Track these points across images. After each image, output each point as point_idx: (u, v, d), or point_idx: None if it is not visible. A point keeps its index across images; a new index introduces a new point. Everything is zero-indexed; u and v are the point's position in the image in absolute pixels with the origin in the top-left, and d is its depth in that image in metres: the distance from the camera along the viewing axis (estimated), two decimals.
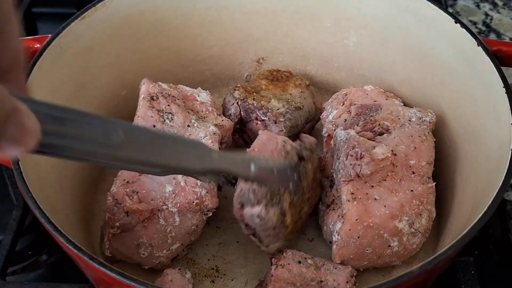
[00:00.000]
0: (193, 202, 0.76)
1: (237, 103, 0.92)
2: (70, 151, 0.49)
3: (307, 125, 0.95)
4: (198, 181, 0.77)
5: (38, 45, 0.83)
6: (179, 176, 0.78)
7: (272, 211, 0.72)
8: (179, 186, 0.77)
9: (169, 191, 0.77)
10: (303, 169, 0.76)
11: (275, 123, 0.90)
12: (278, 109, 0.91)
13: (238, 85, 0.95)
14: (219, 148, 0.81)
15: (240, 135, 0.95)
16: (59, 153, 0.48)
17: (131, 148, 0.52)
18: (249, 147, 0.78)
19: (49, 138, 0.45)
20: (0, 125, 0.40)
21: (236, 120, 0.92)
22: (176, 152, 0.57)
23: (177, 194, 0.77)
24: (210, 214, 0.79)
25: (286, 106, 0.92)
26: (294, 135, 0.91)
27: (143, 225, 0.76)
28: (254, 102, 0.91)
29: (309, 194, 0.79)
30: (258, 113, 0.91)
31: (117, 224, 0.76)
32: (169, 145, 0.56)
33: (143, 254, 0.78)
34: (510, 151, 0.70)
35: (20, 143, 0.42)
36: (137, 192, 0.77)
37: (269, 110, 0.91)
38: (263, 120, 0.91)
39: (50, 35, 0.84)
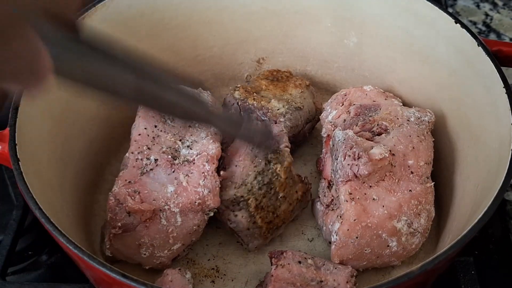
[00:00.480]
0: (195, 202, 0.77)
1: (237, 103, 0.92)
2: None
3: (307, 125, 0.95)
4: (201, 181, 0.77)
5: None
6: (181, 176, 0.78)
7: (240, 215, 0.79)
8: (181, 186, 0.77)
9: (171, 191, 0.77)
10: (269, 172, 0.80)
11: (275, 123, 0.90)
12: (278, 109, 0.91)
13: (238, 85, 0.95)
14: (221, 149, 0.82)
15: None
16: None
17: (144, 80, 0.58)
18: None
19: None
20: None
21: None
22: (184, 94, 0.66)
23: (179, 194, 0.77)
24: (212, 214, 0.79)
25: (286, 107, 0.92)
26: (294, 135, 0.92)
27: (144, 225, 0.76)
28: (254, 102, 0.91)
29: (284, 193, 0.81)
30: (258, 113, 0.91)
31: (119, 224, 0.76)
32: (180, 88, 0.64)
33: (144, 254, 0.78)
34: (510, 151, 0.70)
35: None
36: (139, 192, 0.77)
37: (269, 111, 0.91)
38: (263, 120, 0.91)
39: None
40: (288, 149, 0.83)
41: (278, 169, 0.80)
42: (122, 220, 0.76)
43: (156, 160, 0.79)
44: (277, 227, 0.83)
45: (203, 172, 0.78)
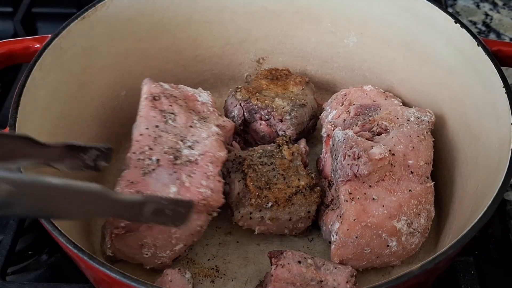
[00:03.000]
0: (199, 202, 0.76)
1: (240, 104, 0.92)
2: None
3: (310, 121, 0.95)
4: (203, 181, 0.77)
5: (38, 45, 0.83)
6: (183, 176, 0.77)
7: (234, 176, 0.83)
8: (183, 186, 0.77)
9: (174, 191, 0.77)
10: (275, 152, 0.85)
11: (281, 121, 0.91)
12: (283, 108, 0.91)
13: (239, 86, 0.95)
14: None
15: (243, 136, 0.95)
16: None
17: (20, 203, 0.52)
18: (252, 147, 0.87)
19: None
20: None
21: (239, 122, 0.92)
22: (68, 202, 0.57)
23: (182, 194, 0.76)
24: (216, 214, 0.79)
25: (291, 104, 0.92)
26: (300, 133, 0.92)
27: (147, 226, 0.76)
28: (258, 102, 0.92)
29: (284, 172, 0.83)
30: (262, 113, 0.92)
31: (122, 224, 0.76)
32: (61, 196, 0.57)
33: (146, 254, 0.78)
34: (510, 151, 0.70)
35: None
36: (142, 193, 0.77)
37: (274, 109, 0.91)
38: (267, 119, 0.92)
39: (50, 35, 0.84)
40: (303, 148, 0.88)
41: (285, 149, 0.85)
42: (125, 221, 0.76)
43: (158, 160, 0.79)
44: (267, 202, 0.81)
45: (205, 173, 0.78)
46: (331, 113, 0.91)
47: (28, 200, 0.54)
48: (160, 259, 0.79)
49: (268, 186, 0.82)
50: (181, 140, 0.81)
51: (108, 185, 0.92)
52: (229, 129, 0.87)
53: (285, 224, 0.83)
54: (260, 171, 0.83)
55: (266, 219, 0.82)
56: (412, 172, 0.79)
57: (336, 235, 0.77)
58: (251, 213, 0.81)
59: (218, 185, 0.78)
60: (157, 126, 0.81)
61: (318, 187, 0.84)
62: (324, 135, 0.89)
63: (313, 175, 0.85)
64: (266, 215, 0.81)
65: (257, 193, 0.81)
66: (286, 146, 0.86)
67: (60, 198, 0.56)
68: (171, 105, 0.83)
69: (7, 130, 0.73)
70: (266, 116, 0.92)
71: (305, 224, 0.83)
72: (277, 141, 0.87)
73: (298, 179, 0.83)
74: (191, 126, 0.83)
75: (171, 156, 0.79)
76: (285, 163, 0.84)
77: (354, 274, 0.75)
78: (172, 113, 0.83)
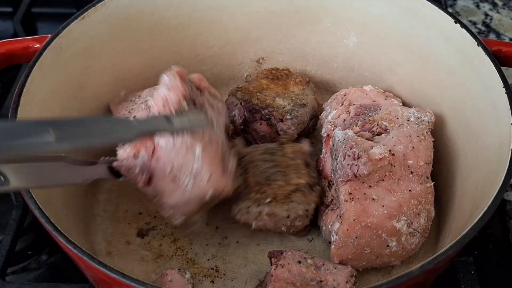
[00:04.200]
0: None
1: (241, 103, 0.92)
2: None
3: (311, 121, 0.95)
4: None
5: (38, 45, 0.83)
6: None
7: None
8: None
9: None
10: (277, 149, 0.86)
11: (282, 121, 0.91)
12: (284, 107, 0.91)
13: (240, 86, 0.95)
14: None
15: (243, 136, 0.95)
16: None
17: (67, 140, 0.59)
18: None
19: None
20: None
21: (240, 121, 0.92)
22: (105, 131, 0.65)
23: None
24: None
25: (292, 104, 0.92)
26: (300, 132, 0.92)
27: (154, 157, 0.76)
28: (259, 102, 0.92)
29: (284, 169, 0.84)
30: (262, 113, 0.92)
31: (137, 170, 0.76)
32: (98, 127, 0.65)
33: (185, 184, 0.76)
34: (510, 151, 0.70)
35: None
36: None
37: (274, 109, 0.91)
38: (268, 119, 0.92)
39: (50, 35, 0.84)
40: (307, 148, 0.88)
41: (287, 147, 0.86)
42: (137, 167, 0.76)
43: None
44: (266, 198, 0.81)
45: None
46: (331, 113, 0.91)
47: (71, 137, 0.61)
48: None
49: (267, 182, 0.82)
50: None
51: (107, 185, 0.92)
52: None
53: (283, 221, 0.82)
54: (260, 167, 0.83)
55: (263, 214, 0.81)
56: (412, 172, 0.79)
57: (336, 235, 0.77)
58: (249, 207, 0.81)
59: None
60: None
61: (318, 187, 0.84)
62: (324, 135, 0.89)
63: (314, 175, 0.85)
64: (264, 210, 0.81)
65: (256, 188, 0.81)
66: (289, 145, 0.86)
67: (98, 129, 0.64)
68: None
69: None
70: (267, 116, 0.92)
71: (303, 222, 0.83)
72: (281, 139, 0.87)
73: (299, 177, 0.83)
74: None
75: None
76: (287, 161, 0.84)
77: (354, 274, 0.75)
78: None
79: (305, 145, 0.89)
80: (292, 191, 0.82)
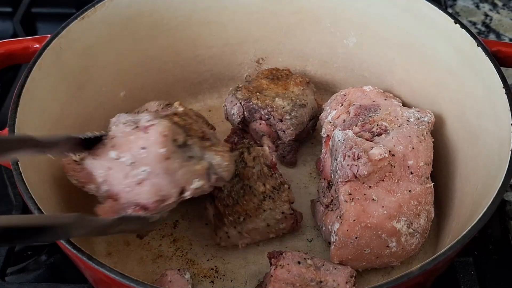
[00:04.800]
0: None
1: (240, 103, 0.92)
2: None
3: (310, 122, 0.95)
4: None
5: (38, 45, 0.83)
6: None
7: (208, 203, 0.83)
8: None
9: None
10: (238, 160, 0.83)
11: (281, 121, 0.91)
12: (283, 108, 0.91)
13: (240, 86, 0.95)
14: None
15: (242, 136, 0.95)
16: None
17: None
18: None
19: None
20: None
21: (239, 120, 0.92)
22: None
23: None
24: None
25: (291, 104, 0.92)
26: (299, 133, 0.92)
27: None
28: (259, 102, 0.92)
29: (249, 181, 0.82)
30: (262, 113, 0.92)
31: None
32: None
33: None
34: (510, 152, 0.70)
35: None
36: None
37: (274, 109, 0.91)
38: (267, 119, 0.92)
39: (49, 35, 0.84)
40: (267, 149, 0.85)
41: (245, 156, 0.83)
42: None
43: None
44: (239, 217, 0.80)
45: None
46: (330, 114, 0.90)
47: None
48: None
49: (235, 202, 0.81)
50: None
51: None
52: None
53: (266, 230, 0.82)
54: (226, 189, 0.81)
55: (243, 233, 0.82)
56: (411, 173, 0.79)
57: (335, 235, 0.77)
58: (227, 232, 0.81)
59: None
60: None
61: (285, 185, 0.83)
62: (324, 136, 0.89)
63: (277, 174, 0.84)
64: (242, 229, 0.81)
65: (226, 212, 0.81)
66: (247, 153, 0.84)
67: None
68: None
69: (6, 130, 0.73)
70: (266, 116, 0.92)
71: (287, 223, 0.83)
72: (239, 150, 0.85)
73: (264, 184, 0.82)
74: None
75: None
76: (248, 171, 0.82)
77: (354, 274, 0.75)
78: None
79: (264, 146, 0.86)
80: (261, 200, 0.82)
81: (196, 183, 0.72)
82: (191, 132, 0.74)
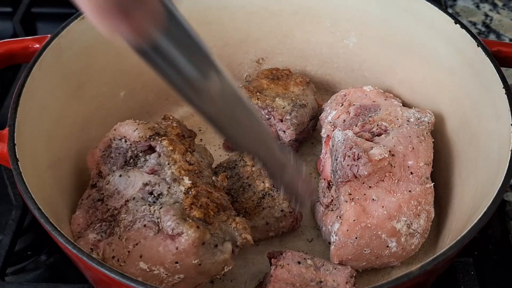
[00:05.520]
0: None
1: None
2: (163, 72, 0.56)
3: (310, 122, 0.95)
4: None
5: (38, 45, 0.83)
6: None
7: None
8: None
9: None
10: (238, 161, 0.85)
11: (281, 121, 0.91)
12: (284, 108, 0.91)
13: (240, 85, 0.95)
14: None
15: None
16: (155, 65, 0.55)
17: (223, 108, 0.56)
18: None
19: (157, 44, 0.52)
20: None
21: None
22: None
23: None
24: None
25: (292, 104, 0.92)
26: (300, 133, 0.92)
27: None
28: (259, 101, 0.92)
29: (248, 179, 0.84)
30: (262, 113, 0.92)
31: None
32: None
33: None
34: (510, 152, 0.70)
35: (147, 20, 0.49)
36: None
37: (274, 109, 0.91)
38: (267, 119, 0.92)
39: (49, 35, 0.84)
40: None
41: (245, 155, 0.86)
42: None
43: None
44: (239, 215, 0.79)
45: None
46: (330, 114, 0.90)
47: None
48: None
49: (235, 199, 0.82)
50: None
51: None
52: None
53: (265, 228, 0.83)
54: (225, 187, 0.81)
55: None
56: (412, 173, 0.79)
57: (335, 235, 0.77)
58: None
59: None
60: None
61: None
62: (324, 136, 0.89)
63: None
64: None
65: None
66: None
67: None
68: None
69: (6, 130, 0.73)
70: (266, 116, 0.92)
71: (287, 221, 0.83)
72: None
73: (263, 182, 0.83)
74: None
75: None
76: (248, 170, 0.84)
77: (354, 274, 0.75)
78: None
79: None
80: (260, 198, 0.82)
81: (226, 269, 0.73)
82: (209, 209, 0.73)
